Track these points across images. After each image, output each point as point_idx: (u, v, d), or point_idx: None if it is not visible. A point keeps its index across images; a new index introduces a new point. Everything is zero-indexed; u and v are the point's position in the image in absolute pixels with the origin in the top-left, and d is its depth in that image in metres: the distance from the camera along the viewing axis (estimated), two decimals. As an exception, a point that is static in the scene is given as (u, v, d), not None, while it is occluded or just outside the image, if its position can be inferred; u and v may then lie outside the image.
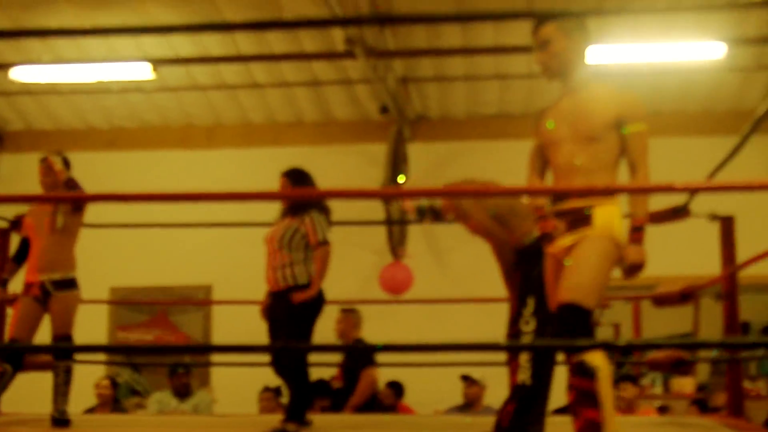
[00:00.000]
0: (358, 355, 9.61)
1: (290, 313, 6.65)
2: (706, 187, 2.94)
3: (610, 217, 4.45)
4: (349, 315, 9.79)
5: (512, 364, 5.11)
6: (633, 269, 4.43)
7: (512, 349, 4.84)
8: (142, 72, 10.16)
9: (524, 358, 5.06)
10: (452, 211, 5.42)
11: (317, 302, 6.70)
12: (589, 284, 4.38)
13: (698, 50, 9.46)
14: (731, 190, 2.40)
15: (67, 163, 7.12)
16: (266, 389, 10.13)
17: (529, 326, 5.16)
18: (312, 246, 6.70)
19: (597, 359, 4.25)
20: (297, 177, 6.97)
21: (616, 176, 4.55)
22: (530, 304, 5.15)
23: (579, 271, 4.41)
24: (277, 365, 6.63)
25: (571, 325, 4.33)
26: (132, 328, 12.09)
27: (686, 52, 9.47)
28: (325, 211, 6.89)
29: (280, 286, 6.71)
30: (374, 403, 9.68)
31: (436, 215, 5.73)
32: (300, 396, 6.55)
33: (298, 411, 6.52)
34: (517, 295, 5.29)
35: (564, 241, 4.54)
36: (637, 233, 4.41)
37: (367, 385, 9.54)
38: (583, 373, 4.25)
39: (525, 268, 5.24)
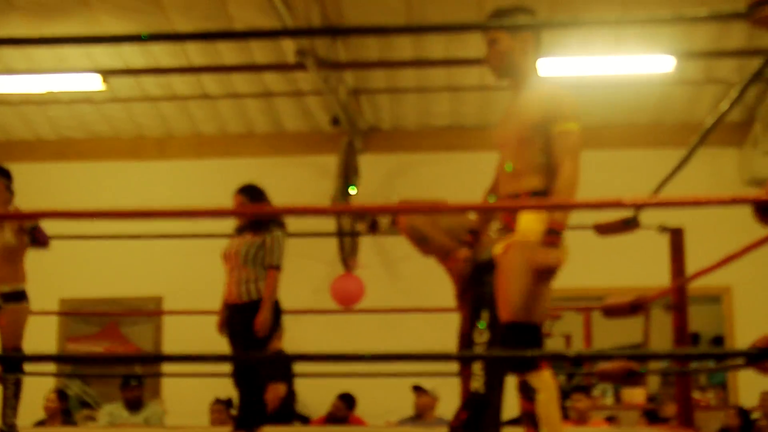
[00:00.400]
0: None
1: (253, 326, 6.69)
2: (653, 203, 2.97)
3: (531, 222, 4.32)
4: None
5: (464, 373, 5.11)
6: (543, 272, 4.30)
7: (463, 359, 4.83)
8: (92, 83, 10.09)
9: (477, 366, 5.05)
10: (408, 236, 5.38)
11: (277, 318, 6.79)
12: (517, 299, 4.30)
13: (648, 63, 9.56)
14: (678, 205, 2.42)
15: (9, 176, 7.06)
16: (217, 401, 10.07)
17: (482, 337, 5.16)
18: (265, 266, 6.73)
19: (539, 380, 4.22)
20: (253, 193, 7.01)
21: (550, 179, 4.39)
22: (484, 317, 5.14)
23: (506, 287, 4.34)
24: (239, 376, 6.67)
25: (513, 344, 4.30)
26: (82, 339, 11.98)
27: (636, 66, 9.57)
28: (283, 227, 6.94)
29: (243, 299, 6.78)
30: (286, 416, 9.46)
31: (373, 226, 5.74)
32: (253, 406, 6.58)
33: (251, 421, 6.54)
34: (470, 310, 5.29)
35: (496, 248, 4.48)
36: (550, 236, 4.26)
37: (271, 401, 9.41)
38: (525, 394, 4.25)
39: (480, 282, 5.24)
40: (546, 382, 4.23)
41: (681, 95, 10.99)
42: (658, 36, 9.58)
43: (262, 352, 6.61)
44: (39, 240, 6.94)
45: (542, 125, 4.42)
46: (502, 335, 4.37)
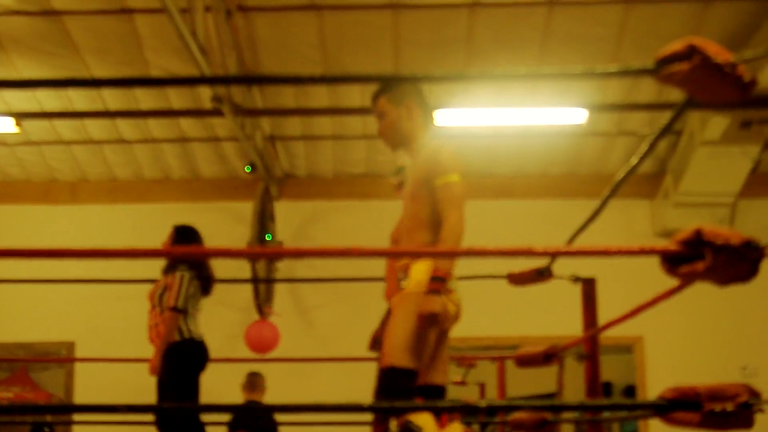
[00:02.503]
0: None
1: (167, 370, 6.61)
2: (565, 251, 3.00)
3: (420, 273, 4.44)
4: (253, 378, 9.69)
5: (378, 427, 5.09)
6: (425, 319, 4.37)
7: (376, 410, 4.80)
8: (5, 125, 9.97)
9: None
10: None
11: (193, 359, 6.72)
12: (400, 345, 4.37)
13: (561, 115, 9.70)
14: (590, 254, 2.45)
15: None
16: None
17: None
18: (165, 308, 6.67)
19: (421, 419, 4.25)
20: (181, 234, 7.09)
21: (437, 231, 4.56)
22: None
23: (392, 334, 4.43)
24: (161, 424, 6.59)
25: (388, 387, 4.36)
26: (-9, 385, 11.77)
27: (549, 117, 9.71)
28: (197, 269, 6.84)
29: (156, 343, 6.70)
30: None
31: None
32: None
33: None
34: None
35: (393, 300, 4.58)
36: (434, 283, 4.38)
37: None
38: None
39: None
40: (429, 420, 4.26)
41: (593, 146, 11.15)
42: (571, 89, 9.74)
43: (175, 396, 6.54)
44: None
45: (426, 181, 4.63)
46: (379, 377, 4.43)
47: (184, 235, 7.06)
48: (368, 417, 5.65)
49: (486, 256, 4.11)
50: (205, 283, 7.00)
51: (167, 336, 6.64)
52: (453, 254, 4.34)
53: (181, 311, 6.71)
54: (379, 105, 4.85)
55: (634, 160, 3.24)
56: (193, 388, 6.76)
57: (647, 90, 9.91)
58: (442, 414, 4.44)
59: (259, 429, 9.33)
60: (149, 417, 6.81)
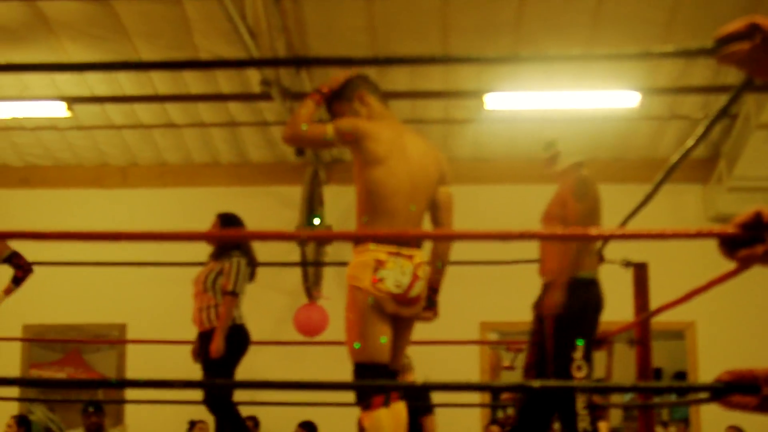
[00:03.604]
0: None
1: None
2: (620, 234, 2.96)
3: (350, 266, 4.53)
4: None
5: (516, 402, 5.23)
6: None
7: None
8: (57, 110, 10.04)
9: (580, 407, 5.07)
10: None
11: (240, 343, 6.82)
12: (348, 341, 4.50)
13: (612, 99, 9.60)
14: (646, 238, 2.41)
15: None
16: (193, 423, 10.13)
17: (582, 372, 5.17)
18: (222, 292, 6.78)
19: (370, 421, 4.35)
20: (226, 220, 7.17)
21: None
22: (580, 347, 5.17)
23: (346, 333, 4.55)
24: (208, 403, 6.74)
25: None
26: (45, 366, 11.89)
27: (600, 101, 9.61)
28: (248, 255, 6.97)
29: (205, 326, 6.84)
30: None
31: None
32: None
33: None
34: (547, 331, 5.31)
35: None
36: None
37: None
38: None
39: (569, 303, 5.25)
40: (376, 423, 4.35)
41: (645, 131, 11.04)
42: (622, 72, 9.64)
43: (222, 377, 6.64)
44: (23, 267, 7.04)
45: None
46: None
47: (229, 222, 7.16)
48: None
49: (539, 239, 4.09)
50: (253, 269, 7.06)
51: (226, 320, 6.72)
52: (504, 237, 4.28)
53: (237, 296, 6.79)
54: (333, 110, 4.88)
55: (690, 143, 3.20)
56: (232, 371, 6.86)
57: (701, 73, 9.79)
58: (390, 394, 4.51)
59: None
60: (198, 398, 6.90)
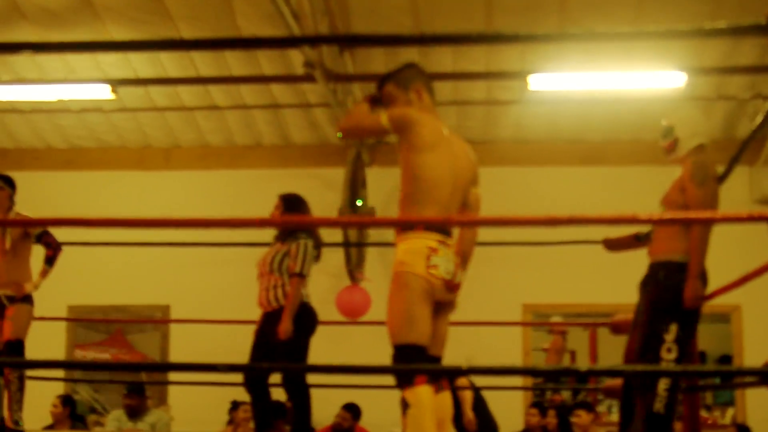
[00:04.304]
0: None
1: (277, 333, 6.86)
2: (669, 219, 2.91)
3: (401, 252, 4.61)
4: None
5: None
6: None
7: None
8: (101, 92, 10.09)
9: (662, 387, 5.07)
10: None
11: (308, 323, 6.96)
12: (394, 323, 4.57)
13: (657, 79, 9.49)
14: (696, 221, 2.38)
15: (13, 186, 7.36)
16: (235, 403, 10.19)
17: (671, 354, 5.17)
18: (290, 274, 6.91)
19: (413, 396, 4.41)
20: (289, 202, 7.23)
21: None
22: (673, 330, 5.16)
23: (388, 313, 4.63)
24: (249, 384, 6.85)
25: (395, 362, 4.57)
26: (89, 346, 11.98)
27: (645, 81, 9.51)
28: (314, 236, 7.12)
29: (272, 306, 6.94)
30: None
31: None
32: (303, 413, 6.85)
33: (298, 427, 6.84)
34: (641, 320, 5.30)
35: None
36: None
37: None
38: (403, 408, 4.44)
39: (668, 285, 5.24)
40: (418, 397, 4.42)
41: (690, 112, 10.91)
42: (668, 51, 9.53)
43: (292, 358, 6.79)
44: (52, 245, 7.23)
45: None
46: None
47: (293, 203, 7.23)
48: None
49: (587, 223, 4.05)
50: (319, 251, 7.20)
51: (294, 301, 6.83)
52: (555, 222, 4.26)
53: (304, 277, 6.92)
54: (386, 91, 4.92)
55: (758, 119, 3.14)
56: (305, 350, 6.99)
57: (749, 52, 9.67)
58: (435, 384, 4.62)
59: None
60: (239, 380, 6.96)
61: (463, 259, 4.82)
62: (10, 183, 7.30)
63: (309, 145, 11.93)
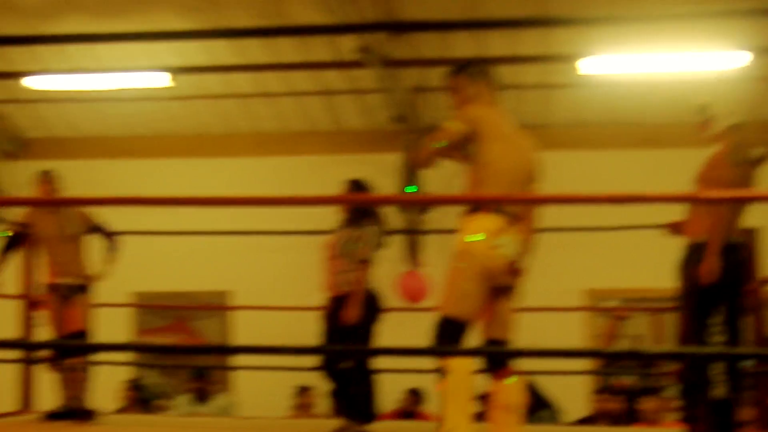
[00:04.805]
0: None
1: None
2: (741, 196, 2.83)
3: (465, 229, 4.73)
4: None
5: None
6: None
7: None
8: (160, 80, 10.13)
9: (716, 372, 5.02)
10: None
11: (374, 308, 7.10)
12: (448, 297, 4.74)
13: (719, 60, 9.29)
14: (758, 200, 2.29)
15: (55, 180, 7.58)
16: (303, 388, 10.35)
17: (721, 337, 5.11)
18: (356, 260, 7.05)
19: (453, 364, 4.53)
20: (356, 187, 7.41)
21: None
22: (722, 311, 5.10)
23: (444, 286, 4.80)
24: (329, 368, 7.00)
25: (437, 333, 4.72)
26: (152, 332, 12.09)
27: (706, 62, 9.32)
28: (380, 223, 7.26)
29: (342, 290, 7.06)
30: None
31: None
32: (366, 398, 6.98)
33: (362, 411, 6.95)
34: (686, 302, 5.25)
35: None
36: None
37: None
38: (439, 376, 4.55)
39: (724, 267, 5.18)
40: (460, 366, 4.54)
41: (754, 92, 10.64)
42: (729, 30, 9.31)
43: (359, 342, 6.89)
44: (109, 235, 7.53)
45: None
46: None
47: (359, 189, 7.38)
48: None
49: (648, 202, 3.99)
50: (384, 236, 7.30)
51: (361, 287, 6.97)
52: (618, 200, 4.23)
53: (370, 263, 7.06)
54: (458, 80, 5.09)
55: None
56: (371, 336, 7.09)
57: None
58: (500, 368, 4.77)
59: None
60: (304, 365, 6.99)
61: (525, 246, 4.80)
62: (52, 178, 7.52)
63: (363, 131, 11.89)
